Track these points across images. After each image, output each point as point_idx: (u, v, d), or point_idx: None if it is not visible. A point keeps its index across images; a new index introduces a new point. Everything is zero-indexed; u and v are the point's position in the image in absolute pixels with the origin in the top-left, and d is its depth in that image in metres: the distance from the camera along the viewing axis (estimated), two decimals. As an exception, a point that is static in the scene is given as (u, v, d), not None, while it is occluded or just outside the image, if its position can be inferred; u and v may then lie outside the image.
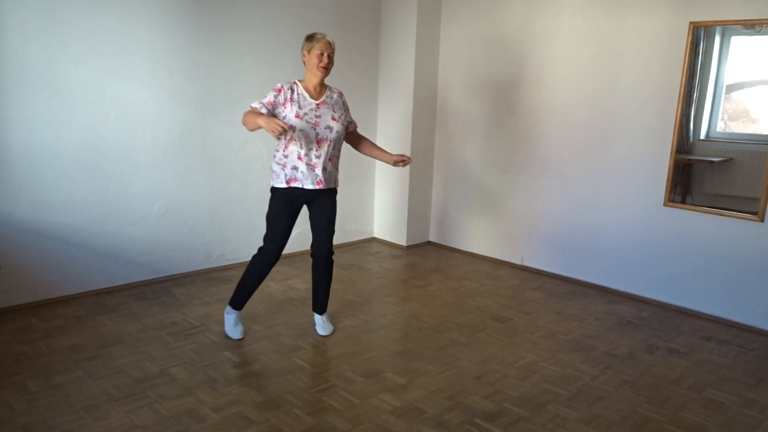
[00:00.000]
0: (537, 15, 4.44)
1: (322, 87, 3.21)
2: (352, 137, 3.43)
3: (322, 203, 3.26)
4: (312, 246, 3.39)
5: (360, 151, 3.49)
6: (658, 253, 4.03)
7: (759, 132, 3.66)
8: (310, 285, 4.23)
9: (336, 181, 3.29)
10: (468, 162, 5.05)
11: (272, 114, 3.08)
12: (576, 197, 4.40)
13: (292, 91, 3.12)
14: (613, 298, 4.18)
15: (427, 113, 5.18)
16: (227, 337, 3.35)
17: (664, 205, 3.95)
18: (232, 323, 3.38)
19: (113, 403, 2.63)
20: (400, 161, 3.38)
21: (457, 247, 5.26)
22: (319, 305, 3.50)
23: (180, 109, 4.06)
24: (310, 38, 3.11)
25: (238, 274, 4.37)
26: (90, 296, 3.84)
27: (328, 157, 3.18)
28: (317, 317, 3.52)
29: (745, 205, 3.64)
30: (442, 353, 3.25)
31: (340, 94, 3.29)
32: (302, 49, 3.15)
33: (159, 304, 3.78)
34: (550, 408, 2.72)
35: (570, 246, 4.49)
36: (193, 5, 3.99)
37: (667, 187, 3.92)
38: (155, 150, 4.00)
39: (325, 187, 3.19)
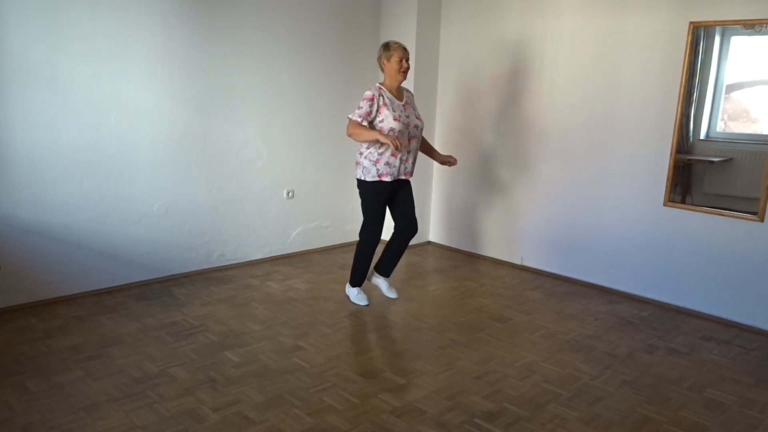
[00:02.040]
0: (537, 15, 4.44)
1: (400, 89, 3.63)
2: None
3: (406, 190, 3.76)
4: (400, 224, 3.83)
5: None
6: (658, 253, 4.03)
7: (759, 132, 3.66)
8: (310, 285, 4.25)
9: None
10: (468, 162, 5.05)
11: (370, 123, 3.51)
12: (576, 197, 4.40)
13: (382, 96, 3.52)
14: (613, 298, 4.19)
15: (426, 113, 5.17)
16: (353, 303, 3.87)
17: (664, 205, 3.95)
18: (355, 293, 3.88)
19: (113, 403, 2.63)
20: (447, 161, 3.83)
21: (457, 247, 5.26)
22: (388, 269, 3.94)
23: (180, 109, 4.06)
24: (387, 47, 3.54)
25: (238, 274, 4.38)
26: (90, 296, 3.85)
27: (416, 150, 3.67)
28: (383, 283, 3.95)
29: (745, 205, 3.64)
30: (442, 353, 3.25)
31: (411, 93, 3.72)
32: (380, 58, 3.58)
33: (159, 304, 3.78)
34: (550, 408, 2.72)
35: (570, 246, 4.49)
36: (193, 5, 4.00)
37: (667, 187, 3.92)
38: (155, 150, 4.00)
39: (408, 178, 3.71)
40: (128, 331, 3.36)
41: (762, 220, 3.57)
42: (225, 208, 4.44)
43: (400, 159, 3.57)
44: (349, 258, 4.91)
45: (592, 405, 2.76)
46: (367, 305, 3.84)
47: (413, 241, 5.30)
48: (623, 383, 2.98)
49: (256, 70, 4.41)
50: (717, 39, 3.69)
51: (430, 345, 3.35)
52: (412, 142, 3.61)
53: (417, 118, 3.62)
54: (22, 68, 3.40)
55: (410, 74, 4.96)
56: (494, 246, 4.98)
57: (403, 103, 3.58)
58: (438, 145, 5.28)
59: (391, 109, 3.48)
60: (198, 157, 4.22)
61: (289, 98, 4.65)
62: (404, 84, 4.95)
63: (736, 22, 3.56)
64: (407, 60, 3.53)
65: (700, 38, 3.71)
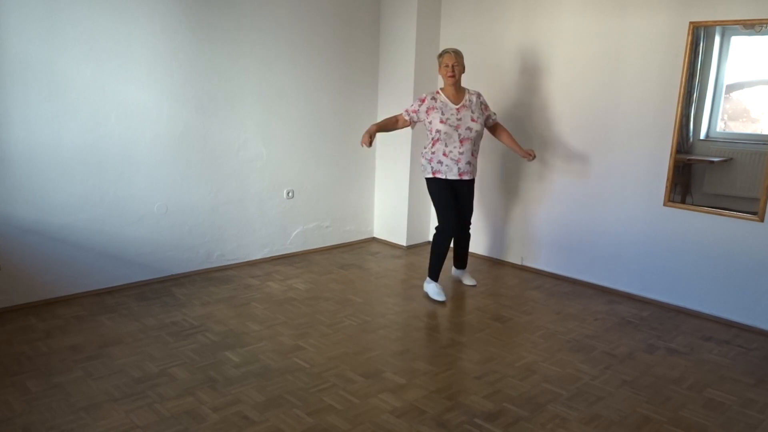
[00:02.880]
0: (537, 15, 4.44)
1: (460, 91, 3.85)
2: (491, 127, 4.05)
3: (465, 191, 3.99)
4: (458, 223, 4.02)
5: (497, 138, 4.13)
6: (658, 253, 4.03)
7: (759, 132, 3.65)
8: (310, 285, 4.25)
9: (475, 172, 3.98)
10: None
11: (414, 120, 3.90)
12: (576, 197, 4.40)
13: (435, 99, 3.82)
14: (613, 298, 4.19)
15: (427, 113, 5.18)
16: (432, 301, 3.99)
17: (664, 205, 3.95)
18: (434, 289, 4.01)
19: (113, 403, 2.63)
20: (527, 155, 3.96)
21: (457, 247, 5.25)
22: (462, 262, 4.34)
23: (180, 110, 4.07)
24: (440, 55, 3.81)
25: (238, 274, 4.38)
26: (90, 296, 3.85)
27: (471, 152, 3.86)
28: (462, 273, 4.37)
29: (745, 205, 3.64)
30: (442, 353, 3.25)
31: (478, 96, 3.89)
32: (439, 66, 3.86)
33: (159, 304, 3.78)
34: (550, 408, 2.72)
35: (570, 246, 4.49)
36: (193, 6, 4.00)
37: (667, 187, 3.92)
38: (155, 150, 4.00)
39: (467, 178, 3.91)
40: (128, 331, 3.36)
41: (762, 220, 3.57)
42: (225, 208, 4.44)
43: (452, 159, 3.81)
44: (348, 258, 4.92)
45: (592, 405, 2.76)
46: (443, 301, 3.97)
47: (413, 241, 5.35)
48: (623, 383, 2.98)
49: (256, 70, 4.41)
50: (717, 39, 3.69)
51: (430, 345, 3.35)
52: (465, 143, 3.81)
53: (472, 120, 3.78)
54: (22, 68, 3.40)
55: (410, 74, 4.97)
56: (494, 246, 4.98)
57: (459, 106, 3.80)
58: (438, 145, 5.28)
59: (441, 112, 3.79)
60: (198, 157, 4.22)
61: (289, 98, 4.65)
62: (404, 83, 5.01)
63: (736, 22, 3.56)
64: (454, 65, 3.73)
65: (700, 38, 3.71)
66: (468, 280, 4.36)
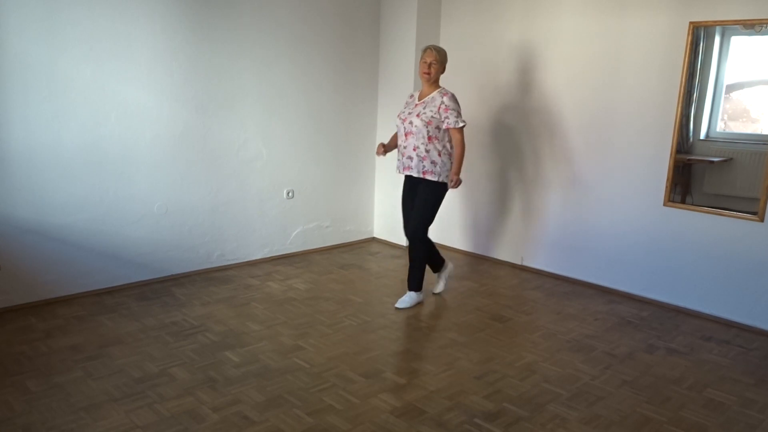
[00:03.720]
0: (537, 15, 4.44)
1: (431, 90, 3.73)
2: (451, 136, 3.71)
3: (416, 192, 3.78)
4: (406, 226, 3.90)
5: None
6: (658, 253, 4.03)
7: (759, 132, 3.65)
8: (310, 285, 4.25)
9: (427, 173, 3.69)
10: (467, 162, 5.05)
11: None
12: (576, 197, 4.40)
13: (411, 97, 3.86)
14: (613, 298, 4.19)
15: (427, 113, 5.18)
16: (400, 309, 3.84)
17: (664, 205, 3.95)
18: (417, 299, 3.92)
19: (113, 403, 2.63)
20: (450, 181, 3.71)
21: (457, 247, 5.26)
22: (408, 280, 3.93)
23: (180, 109, 4.06)
24: (423, 50, 3.74)
25: (238, 274, 4.38)
26: (90, 296, 3.85)
27: (412, 147, 3.70)
28: (407, 294, 3.96)
29: (745, 205, 3.64)
30: (442, 353, 3.25)
31: (447, 96, 3.66)
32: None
33: (159, 304, 3.78)
34: (550, 408, 2.72)
35: (570, 246, 4.49)
36: (193, 5, 3.99)
37: (667, 187, 3.92)
38: (155, 150, 4.00)
39: (415, 175, 3.72)
40: (128, 331, 3.36)
41: (762, 220, 3.57)
42: (225, 208, 4.44)
43: (400, 152, 3.79)
44: (348, 258, 4.92)
45: (592, 405, 2.76)
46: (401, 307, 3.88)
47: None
48: (623, 383, 2.98)
49: (256, 70, 4.41)
50: (717, 39, 3.69)
51: (430, 345, 3.35)
52: (408, 138, 3.72)
53: (417, 115, 3.67)
54: (22, 68, 3.40)
55: (410, 74, 4.97)
56: (494, 246, 4.98)
57: (420, 102, 3.74)
58: (438, 145, 5.29)
59: (404, 107, 3.85)
60: (198, 157, 4.22)
61: (289, 98, 4.65)
62: (404, 83, 5.00)
63: (736, 22, 3.56)
64: (431, 62, 3.67)
65: (700, 38, 3.71)
66: (400, 301, 3.89)
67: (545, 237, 4.63)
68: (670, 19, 3.78)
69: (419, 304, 3.94)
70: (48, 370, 2.90)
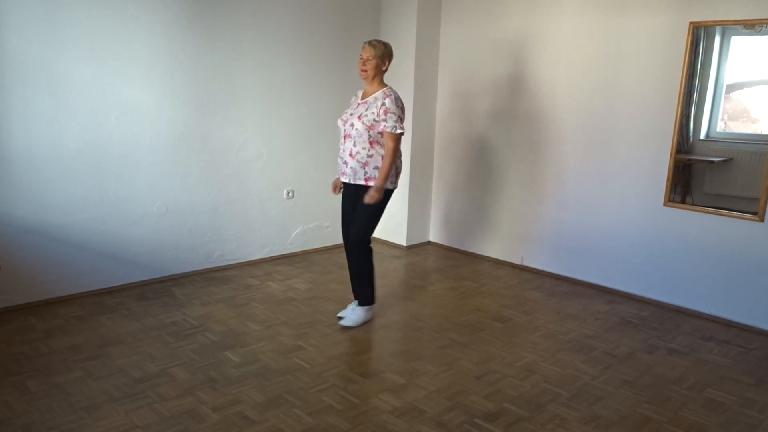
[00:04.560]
0: (537, 15, 4.44)
1: (373, 88, 3.43)
2: (385, 142, 3.36)
3: (356, 199, 3.44)
4: (345, 234, 3.61)
5: None
6: (658, 253, 4.03)
7: (759, 132, 3.65)
8: (310, 285, 4.25)
9: (370, 179, 3.38)
10: (468, 162, 5.05)
11: None
12: (576, 197, 4.40)
13: (356, 96, 3.55)
14: (613, 298, 4.18)
15: (426, 113, 5.18)
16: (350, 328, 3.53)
17: (664, 205, 3.95)
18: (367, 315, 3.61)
19: (113, 403, 2.63)
20: (367, 195, 3.34)
21: (457, 247, 5.26)
22: (356, 294, 3.64)
23: (180, 109, 4.06)
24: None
25: (238, 274, 4.38)
26: (90, 296, 3.84)
27: (349, 152, 3.39)
28: (353, 307, 3.65)
29: (745, 205, 3.64)
30: (442, 353, 3.25)
31: (390, 97, 3.33)
32: None
33: (159, 304, 3.78)
34: (550, 408, 2.72)
35: (570, 246, 4.49)
36: (193, 5, 3.99)
37: (667, 187, 3.92)
38: (155, 150, 4.00)
39: (352, 182, 3.42)
40: (128, 331, 3.36)
41: (762, 220, 3.57)
42: (225, 208, 4.44)
43: (340, 156, 3.46)
44: (349, 258, 4.90)
45: (592, 405, 2.76)
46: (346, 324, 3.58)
47: (413, 241, 5.35)
48: (623, 383, 2.98)
49: (256, 70, 4.41)
50: (717, 39, 3.69)
51: (430, 345, 3.35)
52: (347, 141, 3.39)
53: (358, 117, 3.34)
54: (22, 68, 3.40)
55: (410, 74, 4.97)
56: (494, 246, 4.98)
57: (362, 102, 3.42)
58: (437, 145, 5.29)
59: (348, 107, 3.57)
60: (198, 157, 4.22)
61: (288, 98, 4.65)
62: (404, 83, 5.00)
63: (736, 22, 3.56)
64: (368, 59, 3.33)
65: (700, 38, 3.71)
66: (347, 319, 3.56)
67: (545, 237, 4.63)
68: (670, 19, 3.78)
69: (367, 323, 3.59)
70: (48, 370, 2.90)
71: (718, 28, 3.66)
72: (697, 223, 3.83)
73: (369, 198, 3.31)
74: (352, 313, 3.58)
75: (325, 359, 3.13)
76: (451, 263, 4.89)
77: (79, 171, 3.70)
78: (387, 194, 3.43)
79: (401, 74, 5.05)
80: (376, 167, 3.35)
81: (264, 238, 4.72)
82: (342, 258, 4.89)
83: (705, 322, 3.80)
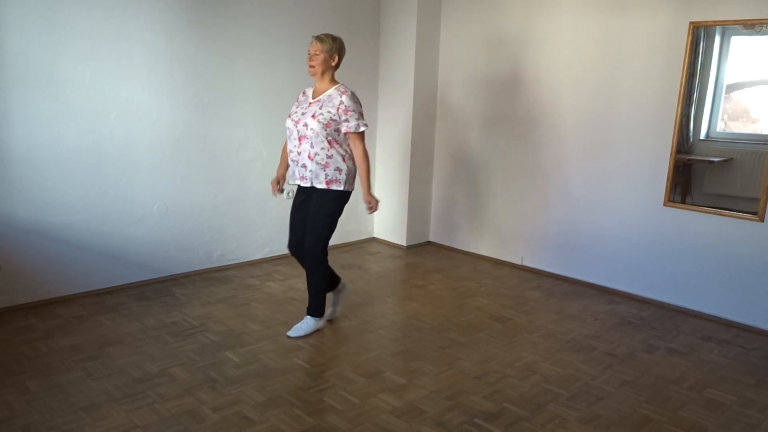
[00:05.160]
0: (537, 15, 4.44)
1: (325, 86, 3.26)
2: (351, 143, 3.26)
3: (314, 201, 3.25)
4: (296, 240, 3.39)
5: None
6: (658, 253, 4.03)
7: (759, 132, 3.65)
8: (310, 285, 4.24)
9: (332, 182, 3.21)
10: (468, 162, 5.05)
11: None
12: (576, 197, 4.40)
13: (304, 94, 3.37)
14: (613, 298, 4.19)
15: (427, 113, 5.18)
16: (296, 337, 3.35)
17: (664, 205, 3.95)
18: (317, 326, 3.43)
19: (113, 403, 2.63)
20: (368, 205, 3.32)
21: (457, 247, 5.26)
22: (309, 303, 3.42)
23: (180, 110, 4.06)
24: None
25: (238, 274, 4.38)
26: (90, 296, 3.84)
27: (308, 154, 3.19)
28: (305, 320, 3.45)
29: (745, 205, 3.64)
30: (442, 353, 3.25)
31: (346, 95, 3.19)
32: None
33: (159, 304, 3.78)
34: (550, 408, 2.72)
35: (570, 246, 4.49)
36: (194, 6, 3.99)
37: (667, 187, 3.92)
38: (155, 150, 4.00)
39: (318, 186, 3.21)
40: (128, 331, 3.36)
41: (762, 220, 3.57)
42: (225, 208, 4.44)
43: (293, 160, 3.27)
44: (348, 258, 4.91)
45: (592, 405, 2.76)
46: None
47: (413, 241, 5.35)
48: (623, 383, 2.98)
49: (256, 71, 4.41)
50: (717, 39, 3.69)
51: (430, 345, 3.35)
52: (303, 142, 3.19)
53: (312, 116, 3.16)
54: (22, 68, 3.40)
55: (410, 74, 4.97)
56: (494, 246, 4.98)
57: (314, 101, 3.24)
58: (437, 145, 5.28)
59: (297, 105, 3.32)
60: (198, 157, 4.22)
61: (288, 98, 4.64)
62: (404, 83, 5.00)
63: (736, 22, 3.56)
64: (314, 53, 3.20)
65: (700, 38, 3.71)
66: (296, 329, 3.38)
67: (545, 237, 4.63)
68: (670, 19, 3.78)
69: (317, 331, 3.43)
70: (48, 370, 2.90)
71: (718, 28, 3.66)
72: (697, 223, 3.83)
73: (372, 208, 3.29)
74: (302, 323, 3.41)
75: (325, 359, 3.13)
76: (451, 263, 4.89)
77: (79, 171, 3.70)
78: (344, 197, 3.28)
79: (401, 75, 5.05)
80: (337, 168, 3.20)
81: (264, 238, 4.72)
82: (342, 258, 4.89)
83: (705, 322, 3.80)
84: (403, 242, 5.30)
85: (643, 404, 2.79)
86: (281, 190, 3.49)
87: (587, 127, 4.27)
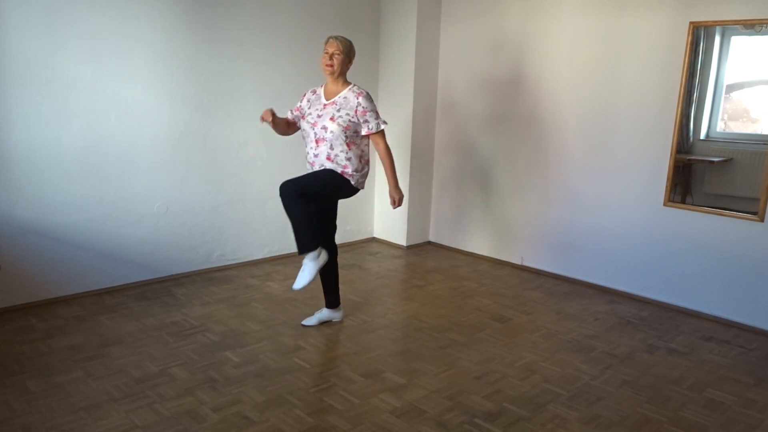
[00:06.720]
0: (537, 15, 4.44)
1: (338, 87, 3.25)
2: (374, 143, 3.29)
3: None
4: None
5: None
6: (658, 253, 4.03)
7: (759, 132, 3.65)
8: (310, 285, 4.22)
9: (346, 174, 3.23)
10: (468, 162, 5.05)
11: (298, 117, 3.38)
12: (576, 197, 4.40)
13: (314, 93, 3.34)
14: (613, 298, 4.19)
15: (427, 113, 5.18)
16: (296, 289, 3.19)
17: (664, 205, 3.95)
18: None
19: (113, 403, 2.63)
20: (392, 200, 3.40)
21: (457, 247, 5.26)
22: (331, 296, 3.59)
23: (180, 109, 4.06)
24: (325, 41, 3.24)
25: (238, 274, 4.38)
26: (90, 296, 3.84)
27: (326, 156, 3.20)
28: (332, 313, 3.62)
29: (745, 205, 3.64)
30: (442, 353, 3.25)
31: (362, 95, 3.19)
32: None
33: (159, 304, 3.78)
34: (550, 408, 2.72)
35: (570, 246, 4.49)
36: (194, 5, 3.99)
37: (667, 187, 3.92)
38: (155, 150, 4.00)
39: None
40: (128, 331, 3.36)
41: (762, 220, 3.57)
42: (225, 208, 4.44)
43: (309, 162, 3.28)
44: (348, 258, 4.91)
45: (592, 405, 2.76)
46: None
47: (413, 241, 5.35)
48: (623, 383, 2.98)
49: (256, 71, 4.41)
50: (717, 39, 3.69)
51: (430, 345, 3.35)
52: (320, 145, 3.18)
53: (331, 119, 3.16)
54: (22, 68, 3.40)
55: (410, 74, 4.97)
56: (494, 246, 4.98)
57: (329, 102, 3.23)
58: (437, 144, 5.29)
59: (309, 106, 3.31)
60: (198, 157, 4.22)
61: (288, 98, 4.63)
62: (404, 83, 5.00)
63: (736, 22, 3.56)
64: (335, 54, 3.17)
65: (700, 38, 3.71)
66: (308, 319, 3.53)
67: (545, 237, 4.63)
68: (670, 19, 3.78)
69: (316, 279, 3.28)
70: (48, 370, 2.90)
71: (718, 28, 3.66)
72: (697, 223, 3.83)
73: (398, 203, 3.37)
74: (305, 271, 3.18)
75: (325, 359, 3.13)
76: (451, 263, 4.90)
77: (79, 171, 3.70)
78: (350, 187, 3.27)
79: (401, 75, 5.05)
80: (355, 170, 3.23)
81: (264, 238, 4.72)
82: (342, 258, 4.87)
83: (705, 322, 3.80)
84: (403, 242, 5.30)
85: (643, 404, 2.79)
86: (272, 122, 3.21)
87: (587, 127, 4.27)
